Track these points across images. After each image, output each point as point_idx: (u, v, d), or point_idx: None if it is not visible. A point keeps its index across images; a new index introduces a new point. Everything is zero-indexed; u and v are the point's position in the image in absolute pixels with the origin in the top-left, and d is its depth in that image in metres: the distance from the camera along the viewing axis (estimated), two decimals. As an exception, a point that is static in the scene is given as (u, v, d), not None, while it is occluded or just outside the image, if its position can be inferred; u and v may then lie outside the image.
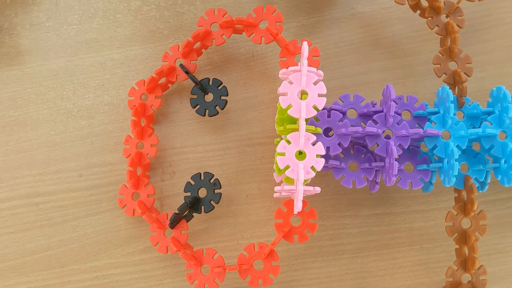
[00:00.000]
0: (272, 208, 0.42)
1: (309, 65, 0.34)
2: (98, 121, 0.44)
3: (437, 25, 0.40)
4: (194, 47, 0.42)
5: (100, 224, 0.42)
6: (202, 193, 0.39)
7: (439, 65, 0.39)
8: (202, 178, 0.40)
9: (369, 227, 0.42)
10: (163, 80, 0.43)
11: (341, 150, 0.36)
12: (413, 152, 0.38)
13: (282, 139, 0.36)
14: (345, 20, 0.45)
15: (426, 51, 0.44)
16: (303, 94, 0.34)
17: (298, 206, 0.33)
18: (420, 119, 0.37)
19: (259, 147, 0.43)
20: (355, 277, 0.41)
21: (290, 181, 0.35)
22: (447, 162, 0.35)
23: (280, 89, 0.34)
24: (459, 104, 0.38)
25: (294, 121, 0.36)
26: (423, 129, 0.35)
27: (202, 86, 0.42)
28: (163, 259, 0.42)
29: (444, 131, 0.36)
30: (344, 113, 0.37)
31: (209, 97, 0.42)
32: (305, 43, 0.35)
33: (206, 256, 0.38)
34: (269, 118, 0.43)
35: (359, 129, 0.35)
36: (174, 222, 0.39)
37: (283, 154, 0.33)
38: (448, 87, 0.36)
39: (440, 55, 0.39)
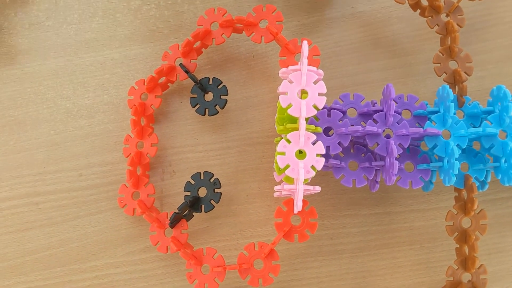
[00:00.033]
0: (272, 208, 0.42)
1: (309, 64, 0.34)
2: (98, 120, 0.44)
3: (437, 24, 0.40)
4: (194, 46, 0.42)
5: (100, 224, 0.42)
6: (202, 192, 0.39)
7: (439, 64, 0.39)
8: (202, 177, 0.39)
9: (369, 227, 0.42)
10: (163, 79, 0.43)
11: (341, 149, 0.36)
12: (413, 151, 0.38)
13: (282, 138, 0.36)
14: (345, 19, 0.45)
15: (426, 50, 0.44)
16: (303, 93, 0.34)
17: (298, 206, 0.33)
18: (420, 118, 0.37)
19: (259, 146, 0.43)
20: (355, 277, 0.41)
21: (290, 180, 0.35)
22: (447, 161, 0.35)
23: (280, 88, 0.34)
24: (459, 103, 0.38)
25: (294, 120, 0.36)
26: (423, 128, 0.35)
27: (202, 86, 0.42)
28: (163, 259, 0.42)
29: (444, 130, 0.36)
30: (344, 112, 0.37)
31: (209, 96, 0.42)
32: (305, 42, 0.35)
33: (206, 256, 0.38)
34: (269, 118, 0.43)
35: (359, 128, 0.35)
36: (174, 221, 0.39)
37: (283, 153, 0.33)
38: (448, 86, 0.36)
39: (440, 54, 0.39)
